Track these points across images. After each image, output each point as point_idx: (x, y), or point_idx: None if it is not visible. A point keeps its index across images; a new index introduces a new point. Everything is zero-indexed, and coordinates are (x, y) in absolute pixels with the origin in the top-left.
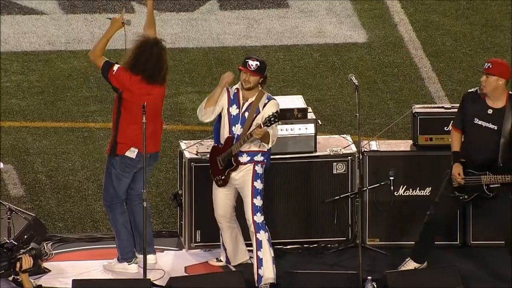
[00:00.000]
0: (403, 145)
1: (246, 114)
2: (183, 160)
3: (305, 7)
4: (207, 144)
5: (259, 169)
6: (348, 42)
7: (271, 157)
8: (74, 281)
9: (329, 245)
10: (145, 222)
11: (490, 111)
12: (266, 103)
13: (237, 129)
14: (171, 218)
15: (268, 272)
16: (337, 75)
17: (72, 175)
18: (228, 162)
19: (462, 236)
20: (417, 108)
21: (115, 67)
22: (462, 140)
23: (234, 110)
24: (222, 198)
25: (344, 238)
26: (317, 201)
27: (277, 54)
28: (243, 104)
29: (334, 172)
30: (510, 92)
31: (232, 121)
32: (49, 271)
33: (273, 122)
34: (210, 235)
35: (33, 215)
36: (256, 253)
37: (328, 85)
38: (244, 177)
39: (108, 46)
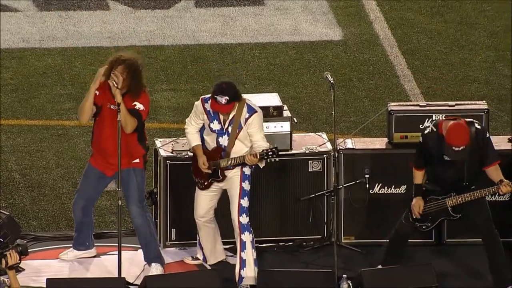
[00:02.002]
0: (379, 143)
1: (230, 128)
2: (158, 158)
3: (280, 5)
4: (183, 142)
5: (247, 171)
6: (323, 39)
7: None
8: (48, 280)
9: (304, 243)
10: (119, 219)
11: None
12: (248, 118)
13: (224, 141)
14: None
15: (249, 273)
16: (312, 73)
17: (47, 173)
18: (214, 171)
19: (437, 235)
20: (393, 106)
21: (140, 106)
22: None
23: (216, 126)
24: (206, 201)
25: (320, 236)
26: (292, 199)
27: (252, 51)
28: (224, 120)
29: (309, 170)
30: (465, 119)
31: (218, 134)
32: (23, 270)
33: (270, 157)
34: (185, 233)
35: (7, 213)
36: (240, 254)
37: (304, 83)
38: (232, 178)
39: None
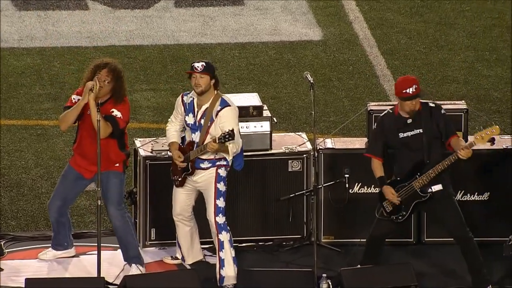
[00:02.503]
0: (358, 142)
1: (202, 121)
2: (138, 158)
3: (260, 5)
4: (162, 142)
5: (222, 172)
6: (303, 39)
7: None
8: (27, 280)
9: (284, 243)
10: (99, 219)
11: (409, 121)
12: (219, 111)
13: (197, 137)
14: None
15: (229, 272)
16: (292, 73)
17: (25, 173)
18: (186, 165)
19: (416, 234)
20: (372, 105)
21: (117, 113)
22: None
23: (190, 119)
24: (182, 198)
25: (299, 236)
26: (272, 198)
27: (232, 51)
28: (197, 111)
29: (289, 170)
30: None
31: (192, 129)
32: (2, 270)
33: (226, 140)
34: (165, 233)
35: None
36: (218, 253)
37: (284, 83)
38: (207, 180)
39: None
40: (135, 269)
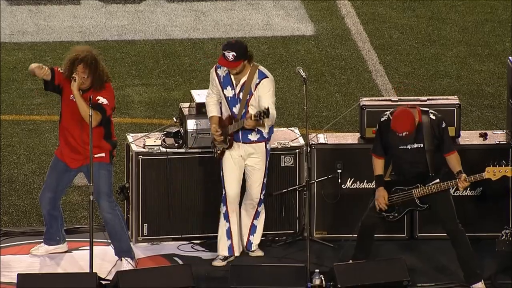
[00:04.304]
0: (351, 137)
1: (241, 95)
2: (130, 153)
3: (252, 0)
4: (155, 137)
5: (268, 147)
6: (295, 34)
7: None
8: (19, 275)
9: (277, 238)
10: (91, 214)
11: (401, 134)
12: (258, 83)
13: (236, 110)
14: None
15: (257, 240)
16: (284, 68)
17: (17, 168)
18: (224, 139)
19: (409, 229)
20: (365, 100)
21: (103, 100)
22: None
23: (229, 92)
24: (236, 178)
25: (292, 231)
26: (265, 193)
27: None
28: (236, 85)
29: (282, 165)
30: (421, 108)
31: (231, 102)
32: None
33: (262, 117)
34: (157, 229)
35: None
36: (252, 221)
37: (276, 78)
38: (258, 157)
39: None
40: (125, 264)
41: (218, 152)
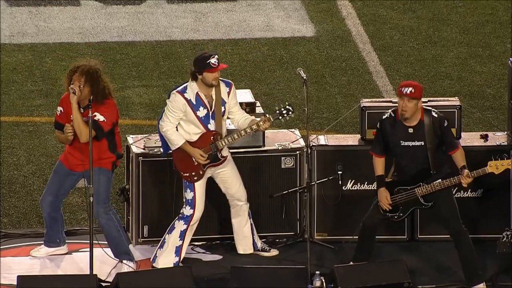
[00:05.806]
0: (351, 139)
1: (216, 109)
2: (130, 154)
3: (252, 1)
4: (155, 139)
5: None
6: (296, 36)
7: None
8: (19, 277)
9: (277, 240)
10: (91, 216)
11: (411, 130)
12: (229, 91)
13: (212, 125)
14: (118, 213)
15: (258, 238)
16: (285, 69)
17: (17, 170)
18: (213, 157)
19: (410, 231)
20: (365, 102)
21: (100, 117)
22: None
23: (202, 112)
24: (204, 199)
25: (293, 233)
26: (265, 195)
27: (225, 47)
28: (210, 102)
29: (282, 167)
30: (423, 106)
31: (204, 121)
32: None
33: (290, 115)
34: (157, 230)
35: None
36: (249, 220)
37: (276, 79)
38: (228, 164)
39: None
40: (126, 266)
41: (201, 173)
